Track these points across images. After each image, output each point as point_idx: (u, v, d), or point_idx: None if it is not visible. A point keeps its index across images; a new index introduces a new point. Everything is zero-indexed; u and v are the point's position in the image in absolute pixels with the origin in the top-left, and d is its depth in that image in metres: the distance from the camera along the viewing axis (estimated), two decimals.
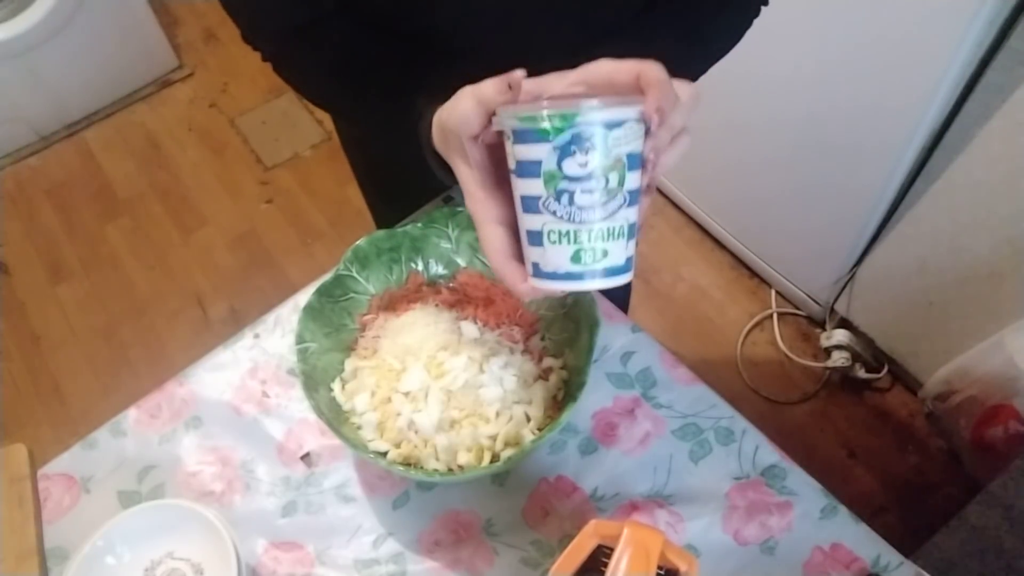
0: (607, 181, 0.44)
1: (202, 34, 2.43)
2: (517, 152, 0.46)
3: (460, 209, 0.76)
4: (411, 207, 0.85)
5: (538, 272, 0.48)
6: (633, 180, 0.46)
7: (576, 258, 0.46)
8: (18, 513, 0.67)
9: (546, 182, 0.45)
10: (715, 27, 0.64)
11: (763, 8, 0.65)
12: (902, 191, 1.31)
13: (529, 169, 0.45)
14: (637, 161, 0.45)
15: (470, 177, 0.49)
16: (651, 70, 0.44)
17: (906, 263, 1.38)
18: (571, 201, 0.45)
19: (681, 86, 0.46)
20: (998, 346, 1.24)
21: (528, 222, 0.47)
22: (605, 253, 0.46)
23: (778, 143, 1.44)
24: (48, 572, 0.66)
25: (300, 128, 2.21)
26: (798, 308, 1.73)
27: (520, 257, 0.50)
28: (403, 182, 0.89)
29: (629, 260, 0.48)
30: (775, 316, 1.73)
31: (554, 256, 0.47)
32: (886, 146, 1.23)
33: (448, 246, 0.77)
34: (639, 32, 0.62)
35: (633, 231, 0.48)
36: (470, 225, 0.76)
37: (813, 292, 1.65)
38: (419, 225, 0.76)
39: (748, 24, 0.65)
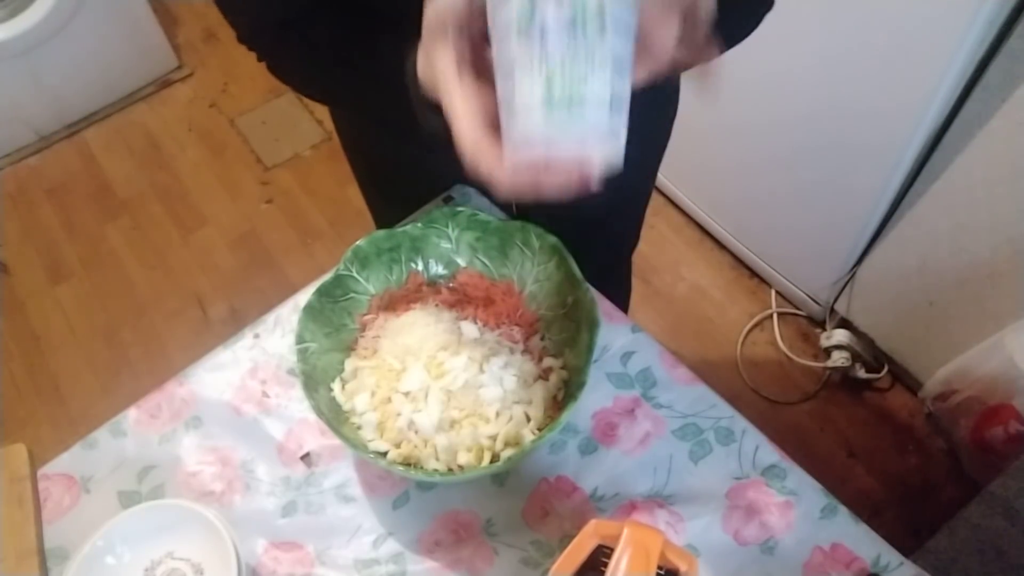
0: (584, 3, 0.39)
1: (202, 34, 2.44)
2: None
3: (460, 209, 0.76)
4: (411, 207, 0.85)
5: (512, 135, 0.42)
6: (620, 3, 0.40)
7: (549, 96, 0.40)
8: (18, 513, 0.67)
9: (520, 4, 0.40)
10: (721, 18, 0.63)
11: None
12: (902, 191, 1.31)
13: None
14: None
15: (451, 66, 0.46)
16: None
17: (906, 263, 1.38)
18: (543, 25, 0.39)
19: None
20: (998, 346, 1.24)
21: (500, 59, 0.42)
22: (582, 92, 0.40)
23: (778, 143, 1.44)
24: (48, 572, 0.66)
25: (300, 128, 2.21)
26: (798, 308, 1.73)
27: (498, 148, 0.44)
28: (403, 182, 0.89)
29: (615, 118, 0.42)
30: (775, 316, 1.73)
31: (524, 95, 0.41)
32: (886, 146, 1.23)
33: (448, 246, 0.77)
34: None
35: (621, 69, 0.41)
36: (470, 225, 0.76)
37: (813, 292, 1.65)
38: (419, 225, 0.76)
39: (756, 20, 0.64)
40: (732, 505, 0.67)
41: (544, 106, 0.40)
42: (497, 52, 0.43)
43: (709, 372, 1.64)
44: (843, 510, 0.66)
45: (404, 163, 0.87)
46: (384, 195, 1.00)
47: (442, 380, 0.66)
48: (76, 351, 1.84)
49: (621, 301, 1.20)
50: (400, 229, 0.76)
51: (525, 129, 0.41)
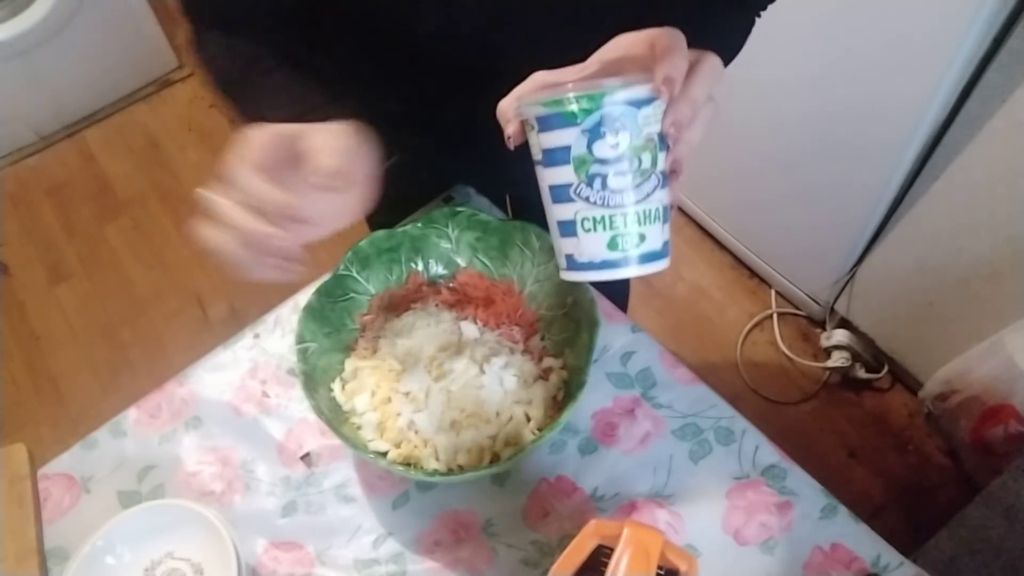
0: (639, 162, 0.43)
1: None
2: (543, 140, 0.44)
3: (460, 209, 0.76)
4: (405, 213, 0.84)
5: (573, 264, 0.46)
6: (665, 161, 0.45)
7: (613, 245, 0.44)
8: (18, 513, 0.67)
9: (576, 167, 0.43)
10: (722, 25, 0.62)
11: (761, 13, 0.64)
12: (902, 191, 1.31)
13: (558, 156, 0.44)
14: (667, 140, 0.45)
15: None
16: (663, 38, 0.42)
17: (906, 263, 1.38)
18: (604, 185, 0.43)
19: (705, 57, 0.45)
20: (998, 346, 1.24)
21: (559, 212, 0.46)
22: (642, 238, 0.45)
23: (778, 144, 1.44)
24: (48, 572, 0.66)
25: None
26: (798, 308, 1.73)
27: None
28: (396, 188, 0.89)
29: (666, 244, 0.47)
30: (775, 316, 1.73)
31: (590, 245, 0.45)
32: (886, 146, 1.23)
33: (448, 246, 0.77)
34: None
35: (668, 214, 0.46)
36: (470, 225, 0.76)
37: (813, 292, 1.65)
38: (419, 225, 0.76)
39: (746, 32, 0.64)
40: (732, 505, 0.67)
41: (607, 250, 0.45)
42: (547, 187, 0.46)
43: (709, 372, 1.64)
44: (843, 510, 0.66)
45: (397, 169, 0.87)
46: (379, 203, 1.00)
47: (442, 380, 0.66)
48: (76, 351, 1.84)
49: (621, 301, 1.20)
50: (400, 229, 0.76)
51: (588, 272, 0.46)
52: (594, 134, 0.42)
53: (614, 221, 0.44)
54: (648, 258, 0.46)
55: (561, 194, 0.45)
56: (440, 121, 0.73)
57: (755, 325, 1.73)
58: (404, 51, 0.60)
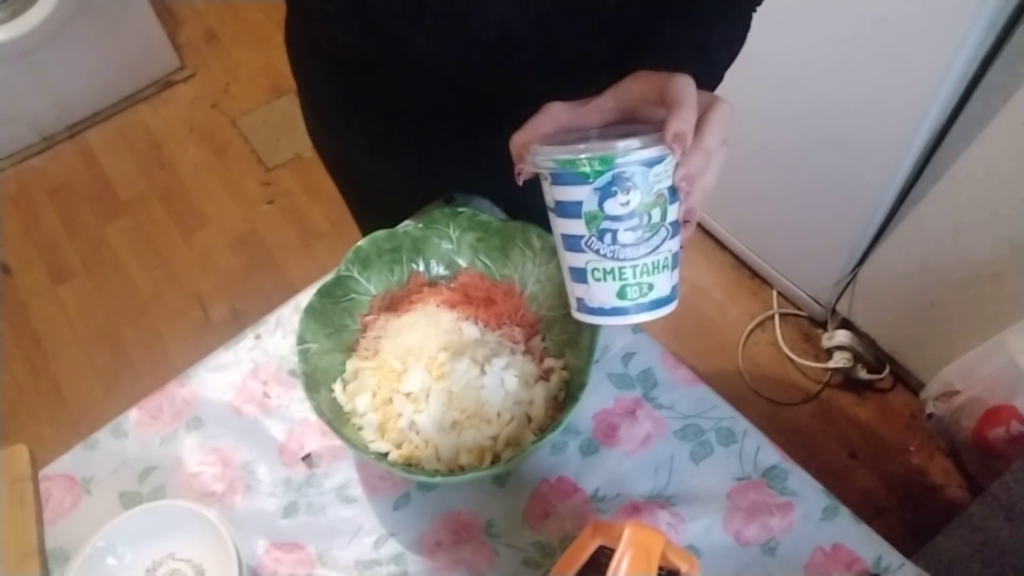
0: (649, 217, 0.44)
1: (204, 35, 2.44)
2: (556, 193, 0.45)
3: (461, 209, 0.76)
4: (395, 220, 0.84)
5: (583, 307, 0.48)
6: (675, 212, 0.46)
7: (622, 294, 0.46)
8: (19, 514, 0.67)
9: (588, 222, 0.45)
10: (715, 40, 0.62)
11: (757, 8, 0.64)
12: (904, 191, 1.31)
13: (569, 209, 0.45)
14: (678, 193, 0.46)
15: None
16: (673, 89, 0.43)
17: (908, 264, 1.38)
18: (614, 240, 0.45)
19: (716, 104, 0.45)
20: (1000, 347, 1.24)
21: (571, 260, 0.47)
22: (651, 287, 0.46)
23: (780, 144, 1.44)
24: (49, 573, 0.66)
25: (301, 129, 2.18)
26: (800, 309, 1.73)
27: None
28: (388, 201, 0.89)
29: (674, 289, 0.48)
30: (776, 317, 1.73)
31: (599, 293, 0.47)
32: (888, 146, 1.23)
33: (449, 246, 0.77)
34: (633, 59, 0.60)
35: (677, 260, 0.48)
36: (471, 226, 0.76)
37: (815, 293, 1.65)
38: (420, 225, 0.76)
39: (745, 31, 0.64)
40: (733, 506, 0.66)
41: (616, 298, 0.47)
42: (559, 234, 0.48)
43: (710, 373, 1.64)
44: (844, 511, 0.66)
45: (389, 183, 0.87)
46: (370, 212, 1.01)
47: (443, 381, 0.66)
48: (77, 352, 1.84)
49: None
50: (401, 230, 0.76)
51: (598, 316, 0.48)
52: (606, 192, 0.43)
53: (623, 273, 0.46)
54: (657, 304, 0.47)
55: (573, 244, 0.46)
56: (445, 135, 0.73)
57: (756, 326, 1.73)
58: (407, 60, 0.60)
